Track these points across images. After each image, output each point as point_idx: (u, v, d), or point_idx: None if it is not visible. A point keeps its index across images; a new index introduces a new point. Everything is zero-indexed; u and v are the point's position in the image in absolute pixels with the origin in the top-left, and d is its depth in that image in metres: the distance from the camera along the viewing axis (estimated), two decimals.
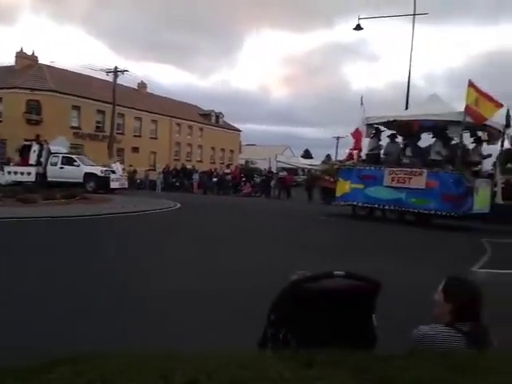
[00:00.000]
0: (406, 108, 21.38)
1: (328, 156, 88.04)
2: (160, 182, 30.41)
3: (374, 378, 1.30)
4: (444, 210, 13.38)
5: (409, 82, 22.75)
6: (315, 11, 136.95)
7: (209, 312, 4.90)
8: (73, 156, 24.72)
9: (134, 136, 42.42)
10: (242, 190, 29.15)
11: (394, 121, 14.85)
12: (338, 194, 16.00)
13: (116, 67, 34.25)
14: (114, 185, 23.45)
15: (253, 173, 32.72)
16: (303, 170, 52.40)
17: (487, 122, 13.68)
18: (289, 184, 28.54)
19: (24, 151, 24.11)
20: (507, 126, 14.03)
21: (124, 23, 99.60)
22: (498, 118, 14.10)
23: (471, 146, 14.67)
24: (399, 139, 15.70)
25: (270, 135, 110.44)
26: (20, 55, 39.24)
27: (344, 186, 15.72)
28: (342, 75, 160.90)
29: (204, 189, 29.60)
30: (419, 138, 15.46)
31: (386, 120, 15.46)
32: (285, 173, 29.86)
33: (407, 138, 15.32)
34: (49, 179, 22.94)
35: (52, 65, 38.38)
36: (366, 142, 16.14)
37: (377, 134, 15.94)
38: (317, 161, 78.84)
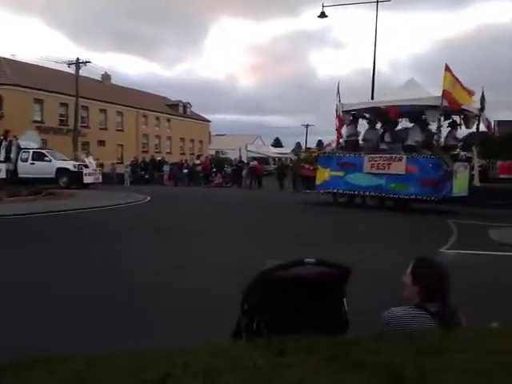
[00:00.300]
0: (372, 95, 21.67)
1: (298, 144, 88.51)
2: (128, 176, 29.91)
3: (345, 363, 1.32)
4: (424, 195, 13.50)
5: (374, 68, 23.05)
6: None
7: (180, 306, 4.88)
8: (44, 151, 23.96)
9: (100, 129, 41.55)
10: (213, 180, 29.02)
11: (375, 107, 14.85)
12: (318, 181, 15.92)
13: (78, 59, 33.41)
14: (87, 179, 22.91)
15: (223, 163, 32.57)
16: (274, 159, 52.50)
17: (463, 106, 13.78)
18: (260, 173, 28.57)
19: None
20: (482, 109, 14.16)
21: (85, 13, 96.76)
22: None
23: (446, 130, 14.70)
24: (378, 125, 15.77)
25: (240, 125, 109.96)
26: None
27: (324, 174, 15.66)
28: (308, 63, 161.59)
29: (175, 181, 29.33)
30: (397, 124, 15.54)
31: (363, 107, 15.53)
32: (255, 162, 29.78)
33: (385, 124, 15.40)
34: (20, 176, 22.15)
35: (12, 58, 37.13)
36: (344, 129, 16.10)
37: (354, 121, 15.95)
38: (287, 149, 79.20)
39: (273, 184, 26.97)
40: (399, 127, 15.52)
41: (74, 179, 22.34)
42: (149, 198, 17.37)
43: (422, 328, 2.19)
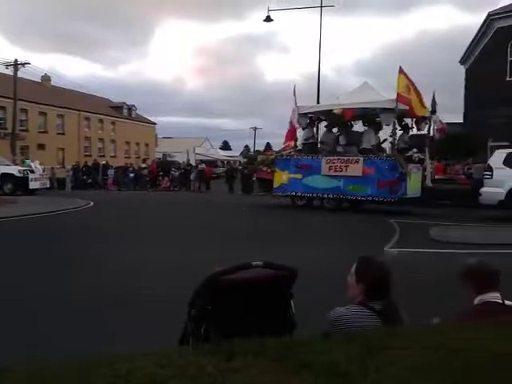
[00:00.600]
0: (318, 99, 22.12)
1: (246, 147, 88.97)
2: (70, 180, 28.82)
3: (292, 364, 1.32)
4: (381, 196, 13.78)
5: (319, 73, 23.56)
6: (225, 2, 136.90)
7: (130, 310, 4.75)
8: None
9: (39, 132, 39.81)
10: (161, 184, 28.56)
11: (330, 110, 14.92)
12: (276, 184, 15.72)
13: (16, 60, 32.01)
14: (33, 185, 21.70)
15: (170, 166, 32.09)
16: (222, 161, 52.47)
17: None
18: (208, 176, 28.45)
19: None
20: (433, 111, 14.52)
21: (24, 13, 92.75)
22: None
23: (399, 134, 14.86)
24: (335, 128, 15.83)
25: (187, 127, 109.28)
26: None
27: (281, 177, 15.54)
28: (255, 66, 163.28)
29: (119, 185, 28.59)
30: (351, 127, 15.76)
31: (319, 109, 15.61)
32: (204, 165, 29.63)
33: (340, 127, 15.55)
34: None
35: None
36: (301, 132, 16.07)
37: (311, 124, 16.02)
38: (236, 152, 79.48)
39: (222, 187, 26.92)
40: (353, 130, 15.77)
41: (19, 185, 21.10)
42: (92, 204, 16.83)
43: (367, 326, 2.24)
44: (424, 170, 14.65)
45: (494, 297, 2.54)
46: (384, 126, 14.97)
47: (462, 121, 29.00)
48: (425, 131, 14.93)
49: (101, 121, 47.54)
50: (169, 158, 47.67)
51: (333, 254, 7.62)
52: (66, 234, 10.28)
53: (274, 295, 2.29)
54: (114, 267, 6.80)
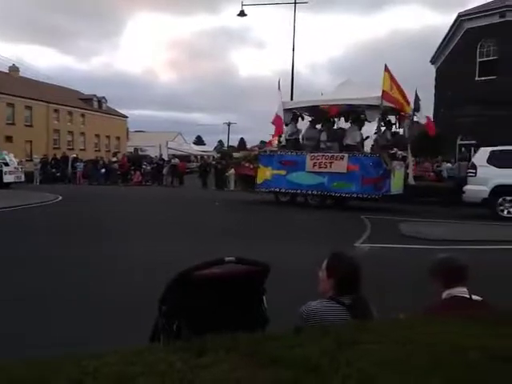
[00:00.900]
0: (292, 95, 22.17)
1: (220, 142, 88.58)
2: (38, 174, 28.09)
3: (263, 359, 1.32)
4: (365, 193, 13.76)
5: (293, 69, 23.64)
6: None
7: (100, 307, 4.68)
8: None
9: (7, 124, 38.67)
10: (132, 179, 28.15)
11: (315, 106, 14.83)
12: (259, 180, 15.54)
13: None
14: (7, 178, 21.13)
15: (142, 160, 31.65)
16: (196, 156, 52.10)
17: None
18: (182, 171, 28.21)
19: None
20: (416, 109, 14.52)
21: None
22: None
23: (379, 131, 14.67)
24: (319, 125, 15.73)
25: (160, 121, 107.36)
26: None
27: (265, 173, 15.37)
28: (229, 61, 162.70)
29: (89, 179, 28.05)
30: (334, 123, 15.67)
31: (303, 105, 15.46)
32: (177, 160, 29.32)
33: (323, 124, 15.46)
34: None
35: None
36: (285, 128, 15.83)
37: (294, 119, 15.85)
38: (209, 147, 78.99)
39: (195, 182, 26.75)
40: (335, 127, 15.69)
41: None
42: (60, 198, 16.47)
43: (337, 320, 2.27)
44: (406, 167, 14.78)
45: (462, 291, 2.59)
46: (366, 124, 15.03)
47: (432, 119, 29.62)
48: (402, 131, 15.01)
49: (70, 113, 46.46)
50: (141, 152, 46.89)
51: (304, 250, 7.68)
52: (27, 231, 9.97)
53: (246, 291, 2.29)
54: (76, 266, 6.63)
